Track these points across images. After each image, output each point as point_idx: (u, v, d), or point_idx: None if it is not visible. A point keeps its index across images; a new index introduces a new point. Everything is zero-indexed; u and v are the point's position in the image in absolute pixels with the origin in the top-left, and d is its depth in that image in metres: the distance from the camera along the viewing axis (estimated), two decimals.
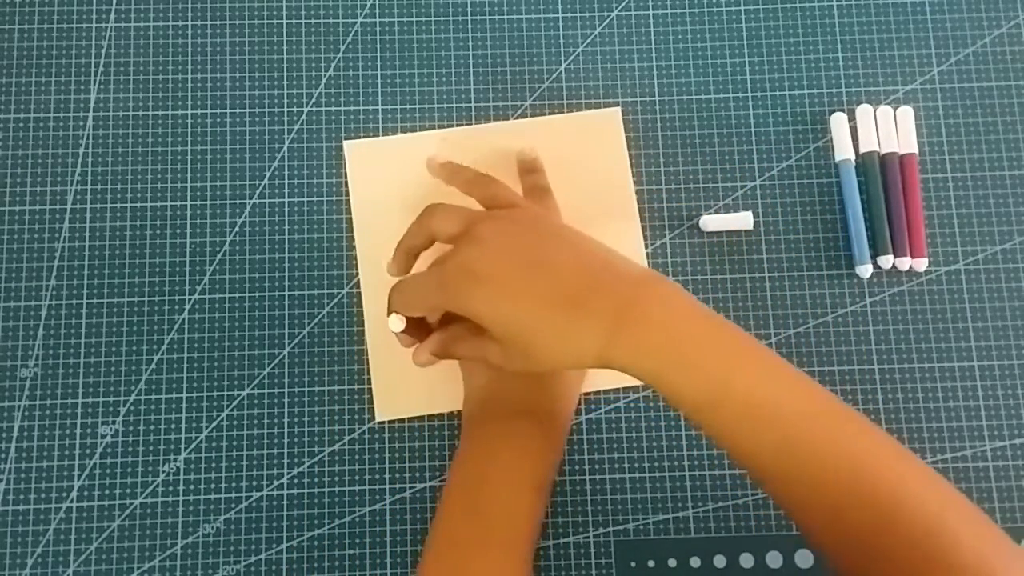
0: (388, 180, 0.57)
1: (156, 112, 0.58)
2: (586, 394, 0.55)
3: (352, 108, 0.58)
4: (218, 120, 0.58)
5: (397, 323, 0.48)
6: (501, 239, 0.44)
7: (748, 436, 0.40)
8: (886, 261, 0.56)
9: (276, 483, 0.53)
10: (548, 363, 0.44)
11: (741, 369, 0.40)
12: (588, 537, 0.53)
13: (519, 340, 0.43)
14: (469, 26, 0.60)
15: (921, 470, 0.40)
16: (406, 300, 0.48)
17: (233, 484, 0.53)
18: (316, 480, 0.54)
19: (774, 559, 0.52)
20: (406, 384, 0.55)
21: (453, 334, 0.49)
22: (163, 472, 0.53)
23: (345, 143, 0.58)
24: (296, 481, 0.54)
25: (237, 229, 0.57)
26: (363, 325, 0.55)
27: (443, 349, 0.49)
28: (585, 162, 0.57)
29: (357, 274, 0.56)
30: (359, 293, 0.56)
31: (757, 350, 0.41)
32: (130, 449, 0.54)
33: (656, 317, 0.40)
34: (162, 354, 0.55)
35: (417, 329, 0.50)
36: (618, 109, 0.58)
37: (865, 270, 0.56)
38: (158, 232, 0.56)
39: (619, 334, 0.40)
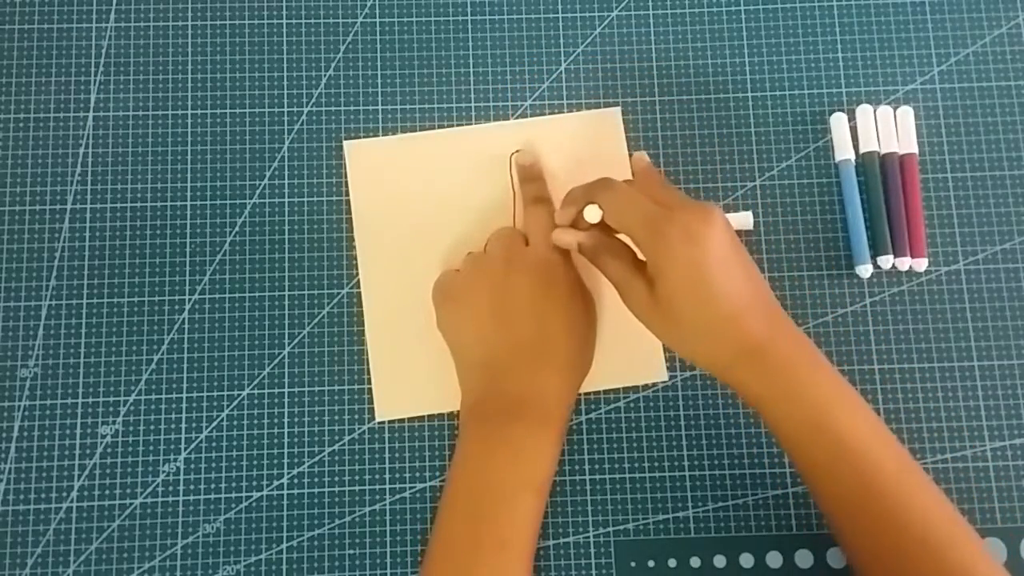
0: (388, 180, 0.57)
1: (156, 112, 0.58)
2: (586, 394, 0.55)
3: (352, 108, 0.58)
4: (218, 120, 0.58)
5: (594, 214, 0.49)
6: (729, 234, 0.47)
7: (834, 475, 0.44)
8: (886, 261, 0.56)
9: (276, 483, 0.53)
10: (677, 343, 0.48)
11: (839, 410, 0.44)
12: (588, 537, 0.53)
13: (678, 310, 0.46)
14: (469, 26, 0.60)
15: (992, 561, 0.42)
16: (614, 204, 0.48)
17: (233, 484, 0.53)
18: (316, 480, 0.54)
19: (774, 559, 0.52)
20: (406, 384, 0.55)
21: (613, 246, 0.50)
22: (163, 472, 0.53)
23: (345, 143, 0.58)
24: (296, 481, 0.54)
25: (237, 229, 0.57)
26: (363, 325, 0.55)
27: (594, 249, 0.50)
28: (585, 162, 0.57)
29: (357, 274, 0.56)
30: (359, 293, 0.56)
31: (855, 397, 0.45)
32: (130, 449, 0.54)
33: (779, 353, 0.45)
34: (162, 354, 0.55)
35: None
36: (618, 109, 0.58)
37: (865, 270, 0.56)
38: (158, 232, 0.56)
39: (744, 358, 0.45)
